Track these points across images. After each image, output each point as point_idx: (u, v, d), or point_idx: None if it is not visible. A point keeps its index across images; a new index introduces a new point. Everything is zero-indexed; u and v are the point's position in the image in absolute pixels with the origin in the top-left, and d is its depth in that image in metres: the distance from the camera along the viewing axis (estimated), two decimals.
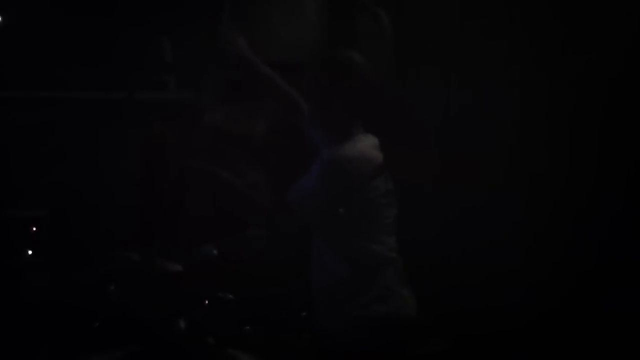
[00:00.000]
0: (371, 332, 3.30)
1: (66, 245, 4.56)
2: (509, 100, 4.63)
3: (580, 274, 4.42)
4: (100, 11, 4.83)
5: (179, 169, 4.37)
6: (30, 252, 4.37)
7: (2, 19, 4.87)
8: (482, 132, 4.64)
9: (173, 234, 4.62)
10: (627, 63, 4.47)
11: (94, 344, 4.01)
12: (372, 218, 3.36)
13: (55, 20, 4.84)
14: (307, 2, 5.03)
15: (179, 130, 4.69)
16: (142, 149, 4.75)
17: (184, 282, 4.24)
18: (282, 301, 4.28)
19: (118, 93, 4.79)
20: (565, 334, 4.41)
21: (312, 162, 3.40)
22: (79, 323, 4.09)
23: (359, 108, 3.42)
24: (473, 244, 4.55)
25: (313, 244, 3.44)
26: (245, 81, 3.77)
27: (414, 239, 3.65)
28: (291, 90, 3.61)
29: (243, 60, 3.61)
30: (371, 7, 4.46)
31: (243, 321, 4.18)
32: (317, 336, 3.49)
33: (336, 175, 3.29)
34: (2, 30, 4.85)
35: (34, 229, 4.43)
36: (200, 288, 4.25)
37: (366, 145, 3.39)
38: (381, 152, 3.43)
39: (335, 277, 3.36)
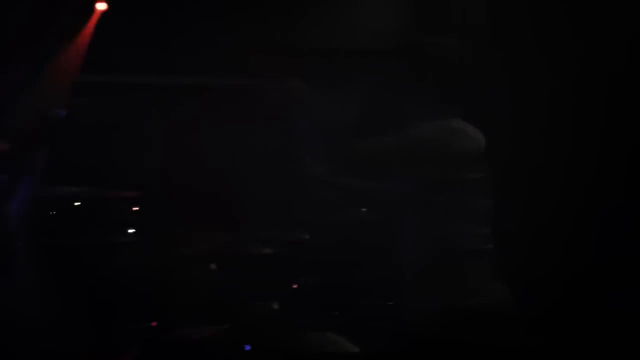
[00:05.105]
0: (461, 324, 3.26)
1: (166, 224, 4.67)
2: (509, 96, 4.59)
3: (580, 272, 4.40)
4: None
5: None
6: (131, 231, 4.49)
7: None
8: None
9: (263, 217, 4.68)
10: (627, 57, 4.42)
11: (190, 321, 4.11)
12: (465, 207, 3.30)
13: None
14: None
15: None
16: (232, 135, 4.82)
17: (274, 265, 4.30)
18: (370, 288, 4.31)
19: (209, 78, 4.87)
20: (565, 333, 4.39)
21: None
22: (179, 300, 4.20)
23: (445, 94, 3.35)
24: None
25: (403, 231, 3.36)
26: None
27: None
28: None
29: None
30: None
31: (331, 307, 4.23)
32: (406, 325, 3.43)
33: (428, 160, 3.25)
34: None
35: (135, 208, 4.55)
36: (289, 272, 4.31)
37: (458, 130, 3.33)
38: (474, 138, 3.37)
39: (425, 266, 3.30)
